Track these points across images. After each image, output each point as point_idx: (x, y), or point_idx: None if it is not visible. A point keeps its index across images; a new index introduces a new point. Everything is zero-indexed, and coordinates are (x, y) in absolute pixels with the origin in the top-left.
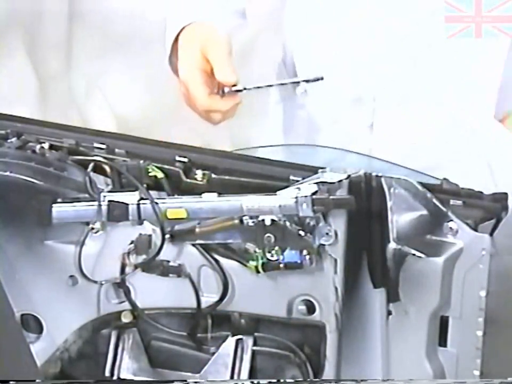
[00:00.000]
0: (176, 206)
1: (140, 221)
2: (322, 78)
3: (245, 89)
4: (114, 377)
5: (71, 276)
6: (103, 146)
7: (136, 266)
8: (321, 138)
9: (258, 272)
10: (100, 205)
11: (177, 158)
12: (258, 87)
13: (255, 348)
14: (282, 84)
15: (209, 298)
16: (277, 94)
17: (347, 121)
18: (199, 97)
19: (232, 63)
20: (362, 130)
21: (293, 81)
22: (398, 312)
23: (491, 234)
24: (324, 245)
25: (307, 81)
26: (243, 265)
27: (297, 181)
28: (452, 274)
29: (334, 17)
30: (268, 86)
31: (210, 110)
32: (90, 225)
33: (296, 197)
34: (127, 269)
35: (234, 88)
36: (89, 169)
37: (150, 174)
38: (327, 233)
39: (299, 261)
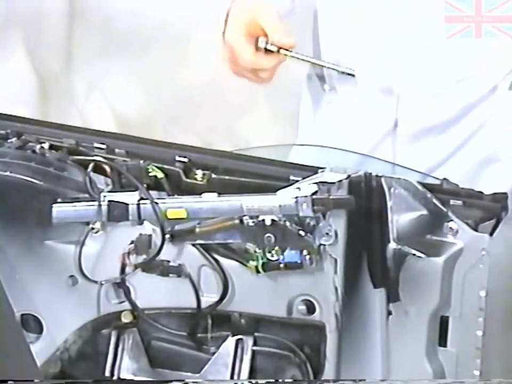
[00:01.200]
0: (176, 206)
1: (140, 221)
2: (354, 75)
3: (288, 50)
4: (114, 377)
5: (71, 276)
6: (103, 146)
7: (136, 266)
8: (348, 137)
9: (258, 272)
10: (100, 205)
11: (177, 158)
12: (299, 58)
13: (255, 348)
14: (321, 66)
15: (209, 298)
16: (306, 92)
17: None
18: (244, 55)
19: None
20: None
21: (331, 67)
22: (398, 312)
23: (491, 234)
24: (324, 245)
25: (342, 72)
26: (243, 265)
27: (297, 181)
28: (452, 274)
29: (333, 17)
30: (307, 61)
31: (256, 67)
32: (90, 225)
33: (296, 197)
34: (127, 269)
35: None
36: (89, 169)
37: (150, 174)
38: (327, 233)
39: (299, 261)
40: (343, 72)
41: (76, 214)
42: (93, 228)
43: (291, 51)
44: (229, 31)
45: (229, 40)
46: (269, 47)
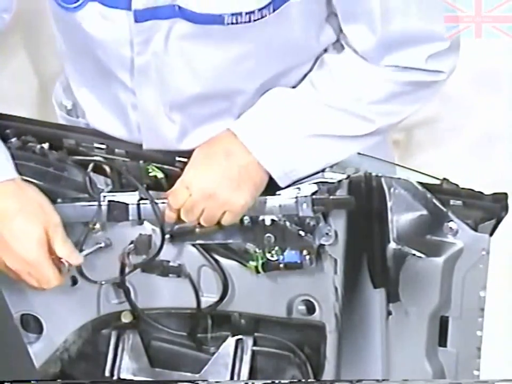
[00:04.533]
0: None
1: (140, 221)
2: None
3: None
4: (114, 377)
5: (71, 276)
6: (103, 146)
7: (136, 266)
8: None
9: (258, 272)
10: (100, 205)
11: (177, 158)
12: None
13: (255, 348)
14: None
15: (209, 298)
16: None
17: None
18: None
19: None
20: None
21: None
22: (398, 312)
23: (491, 234)
24: (324, 245)
25: None
26: (243, 265)
27: (297, 181)
28: (452, 274)
29: None
30: None
31: None
32: (90, 225)
33: (296, 197)
34: (127, 269)
35: None
36: (89, 169)
37: (150, 174)
38: (327, 233)
39: (299, 261)
40: None
41: (76, 214)
42: (93, 228)
43: None
44: None
45: None
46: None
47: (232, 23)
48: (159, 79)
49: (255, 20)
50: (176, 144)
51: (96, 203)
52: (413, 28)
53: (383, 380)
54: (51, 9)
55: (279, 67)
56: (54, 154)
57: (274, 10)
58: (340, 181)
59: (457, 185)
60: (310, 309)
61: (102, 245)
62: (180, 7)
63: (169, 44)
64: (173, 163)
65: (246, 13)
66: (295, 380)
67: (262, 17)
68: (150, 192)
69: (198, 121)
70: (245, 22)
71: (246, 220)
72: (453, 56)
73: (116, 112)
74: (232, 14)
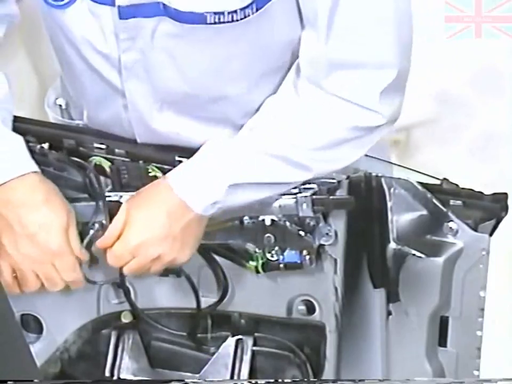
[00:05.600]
0: None
1: None
2: None
3: None
4: (114, 377)
5: None
6: (103, 146)
7: None
8: None
9: (258, 272)
10: (100, 205)
11: (177, 158)
12: None
13: (255, 348)
14: None
15: (209, 298)
16: None
17: None
18: None
19: None
20: None
21: None
22: (398, 312)
23: (491, 234)
24: (324, 245)
25: None
26: (243, 265)
27: None
28: (452, 274)
29: None
30: None
31: None
32: (90, 225)
33: (296, 197)
34: None
35: None
36: (89, 170)
37: (150, 174)
38: (327, 233)
39: (299, 261)
40: None
41: (76, 214)
42: (92, 228)
43: None
44: None
45: None
46: None
47: (215, 23)
48: (147, 77)
49: (237, 20)
50: (170, 139)
51: (96, 203)
52: (359, 48)
53: (385, 379)
54: (39, 8)
55: (265, 67)
56: (54, 154)
57: (257, 10)
58: (339, 181)
59: (457, 185)
60: (310, 309)
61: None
62: (164, 5)
63: (154, 42)
64: (173, 163)
65: (229, 12)
66: (297, 379)
67: (245, 16)
68: None
69: (191, 119)
70: (228, 22)
71: (246, 220)
72: (399, 97)
73: (107, 111)
74: (215, 13)
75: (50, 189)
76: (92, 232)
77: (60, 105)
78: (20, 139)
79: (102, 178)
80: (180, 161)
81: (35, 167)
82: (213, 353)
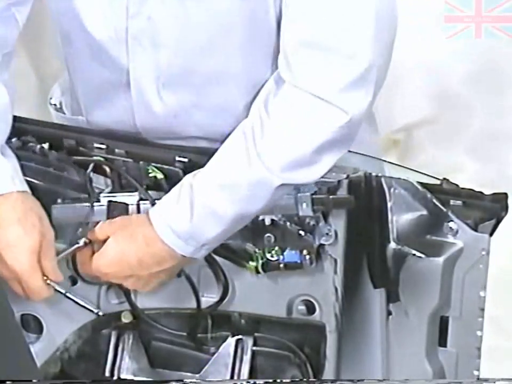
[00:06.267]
0: None
1: None
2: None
3: None
4: (114, 377)
5: (71, 276)
6: (103, 146)
7: None
8: None
9: (258, 272)
10: (100, 205)
11: (177, 158)
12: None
13: (255, 348)
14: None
15: (209, 298)
16: None
17: None
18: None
19: None
20: None
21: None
22: (398, 312)
23: (491, 234)
24: (324, 245)
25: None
26: (243, 265)
27: None
28: (452, 274)
29: None
30: None
31: None
32: (90, 225)
33: (295, 197)
34: None
35: None
36: (89, 170)
37: (150, 175)
38: (327, 233)
39: (299, 261)
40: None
41: (76, 214)
42: (78, 243)
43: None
44: None
45: None
46: None
47: None
48: (152, 46)
49: None
50: (168, 123)
51: (96, 203)
52: (331, 31)
53: (385, 380)
54: None
55: (263, 47)
56: (54, 154)
57: None
58: (339, 181)
59: (457, 185)
60: (310, 309)
61: (81, 244)
62: None
63: (166, 3)
64: (173, 163)
65: None
66: (297, 379)
67: None
68: (150, 192)
69: (189, 102)
70: None
71: None
72: (366, 95)
73: (109, 100)
74: None
75: (28, 208)
76: (75, 246)
77: (60, 104)
78: (6, 158)
79: (102, 178)
80: (180, 161)
81: (21, 187)
82: (213, 353)
